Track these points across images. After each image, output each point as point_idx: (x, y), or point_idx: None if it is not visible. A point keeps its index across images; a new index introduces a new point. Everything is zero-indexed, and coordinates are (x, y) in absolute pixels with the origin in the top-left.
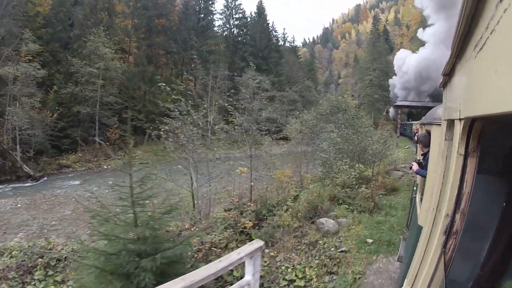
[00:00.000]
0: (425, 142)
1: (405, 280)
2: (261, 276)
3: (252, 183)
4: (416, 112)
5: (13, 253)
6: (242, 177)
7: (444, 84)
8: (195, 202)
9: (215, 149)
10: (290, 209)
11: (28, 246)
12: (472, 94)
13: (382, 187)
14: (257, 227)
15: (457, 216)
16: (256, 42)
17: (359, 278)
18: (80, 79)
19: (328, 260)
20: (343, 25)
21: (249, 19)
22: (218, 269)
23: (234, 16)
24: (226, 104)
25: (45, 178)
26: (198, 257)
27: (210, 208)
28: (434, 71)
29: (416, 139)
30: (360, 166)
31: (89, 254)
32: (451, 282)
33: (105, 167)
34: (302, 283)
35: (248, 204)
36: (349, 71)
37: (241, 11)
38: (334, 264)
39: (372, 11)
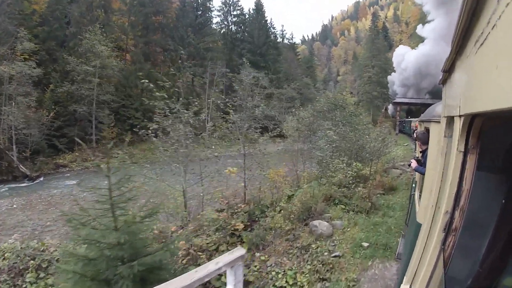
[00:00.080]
0: (424, 139)
1: (404, 277)
2: (250, 282)
3: (245, 183)
4: (415, 109)
5: (6, 255)
6: (234, 177)
7: (444, 81)
8: (186, 202)
9: (213, 147)
10: (283, 210)
11: (21, 247)
12: (473, 90)
13: (380, 186)
14: (249, 229)
15: (457, 213)
16: (254, 39)
17: (353, 286)
18: (76, 78)
19: (321, 265)
20: (342, 22)
21: (247, 16)
22: (193, 280)
23: (232, 13)
24: (222, 102)
25: (42, 178)
26: (185, 262)
27: (201, 208)
28: (434, 68)
29: (415, 136)
30: (357, 164)
31: (70, 259)
32: (450, 279)
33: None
34: None
35: (240, 205)
36: (348, 68)
37: (239, 8)
38: (327, 270)
39: (371, 8)
